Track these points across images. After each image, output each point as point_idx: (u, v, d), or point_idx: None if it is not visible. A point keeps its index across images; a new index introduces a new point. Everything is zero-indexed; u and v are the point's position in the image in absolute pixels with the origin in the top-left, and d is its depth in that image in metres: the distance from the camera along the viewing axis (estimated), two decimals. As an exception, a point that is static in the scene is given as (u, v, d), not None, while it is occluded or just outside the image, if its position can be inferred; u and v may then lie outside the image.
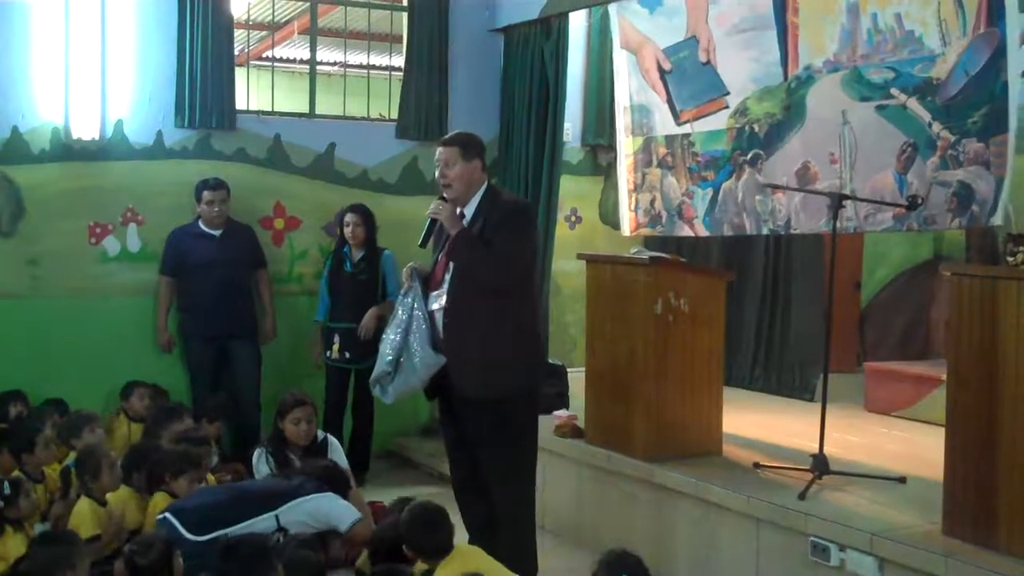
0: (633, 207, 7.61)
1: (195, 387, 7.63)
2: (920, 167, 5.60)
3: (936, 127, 5.54)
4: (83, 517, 5.15)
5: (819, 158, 6.15)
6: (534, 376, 5.29)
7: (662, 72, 7.28)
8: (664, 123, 7.30)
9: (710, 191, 6.93)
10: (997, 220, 5.45)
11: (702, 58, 6.93)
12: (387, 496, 6.60)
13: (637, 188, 7.57)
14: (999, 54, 5.26)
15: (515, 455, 5.22)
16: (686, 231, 7.20)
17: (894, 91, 5.76)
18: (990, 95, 5.30)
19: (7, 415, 6.67)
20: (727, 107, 6.80)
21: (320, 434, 6.14)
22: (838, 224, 5.66)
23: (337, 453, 6.15)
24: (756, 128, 6.58)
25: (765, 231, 6.65)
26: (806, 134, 6.26)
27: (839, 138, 6.03)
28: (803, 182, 6.22)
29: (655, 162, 7.40)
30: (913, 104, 5.65)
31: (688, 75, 7.07)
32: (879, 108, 5.84)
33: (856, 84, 5.95)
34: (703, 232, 7.06)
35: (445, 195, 5.19)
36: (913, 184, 5.64)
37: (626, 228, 7.77)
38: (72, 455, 6.13)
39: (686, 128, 7.12)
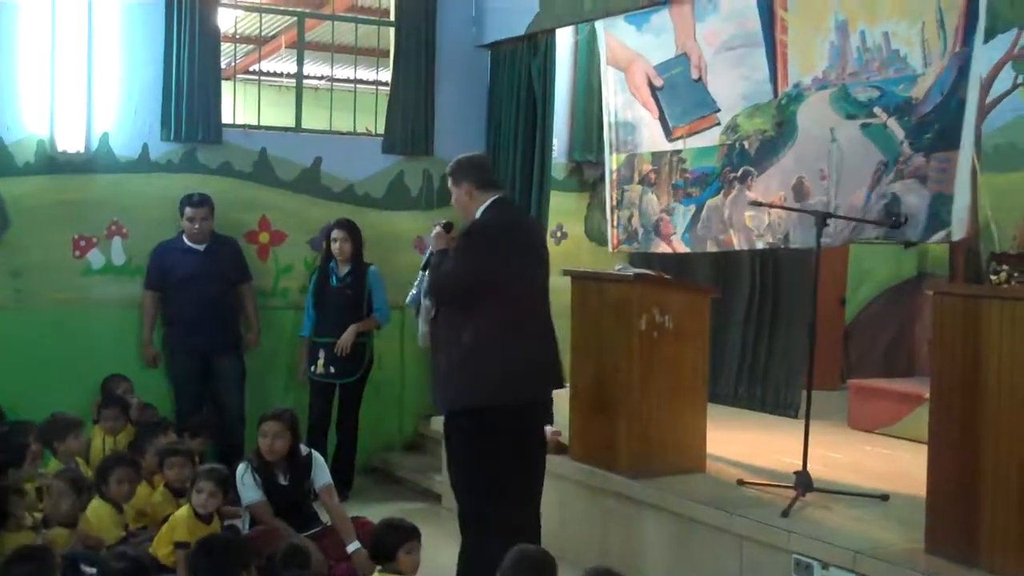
0: (615, 223, 7.63)
1: (179, 401, 7.60)
2: (883, 184, 5.64)
3: (904, 145, 5.58)
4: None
5: (811, 174, 6.18)
6: (482, 393, 5.18)
7: (653, 89, 7.29)
8: (652, 139, 7.31)
9: (692, 208, 6.94)
10: (937, 238, 5.50)
11: (694, 75, 6.95)
12: (371, 512, 6.60)
13: (618, 205, 7.59)
14: (963, 72, 5.30)
15: (462, 471, 5.31)
16: (663, 247, 7.20)
17: (876, 110, 5.79)
18: (944, 111, 5.33)
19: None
20: (719, 124, 6.82)
21: (304, 450, 6.13)
22: (831, 238, 5.68)
23: (321, 469, 6.15)
24: (747, 145, 6.60)
25: (761, 245, 6.64)
26: (799, 150, 6.28)
27: (828, 155, 6.06)
28: (799, 196, 6.24)
29: (637, 179, 7.41)
30: (892, 123, 5.69)
31: (680, 92, 7.09)
32: (863, 126, 5.87)
33: (843, 102, 5.99)
34: (682, 248, 7.07)
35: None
36: (873, 202, 5.69)
37: (610, 244, 7.79)
38: (52, 463, 6.11)
39: (678, 144, 7.13)
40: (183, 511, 5.54)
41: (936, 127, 5.40)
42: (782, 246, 6.58)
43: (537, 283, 5.45)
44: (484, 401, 5.19)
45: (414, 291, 5.66)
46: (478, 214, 5.35)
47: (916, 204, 5.44)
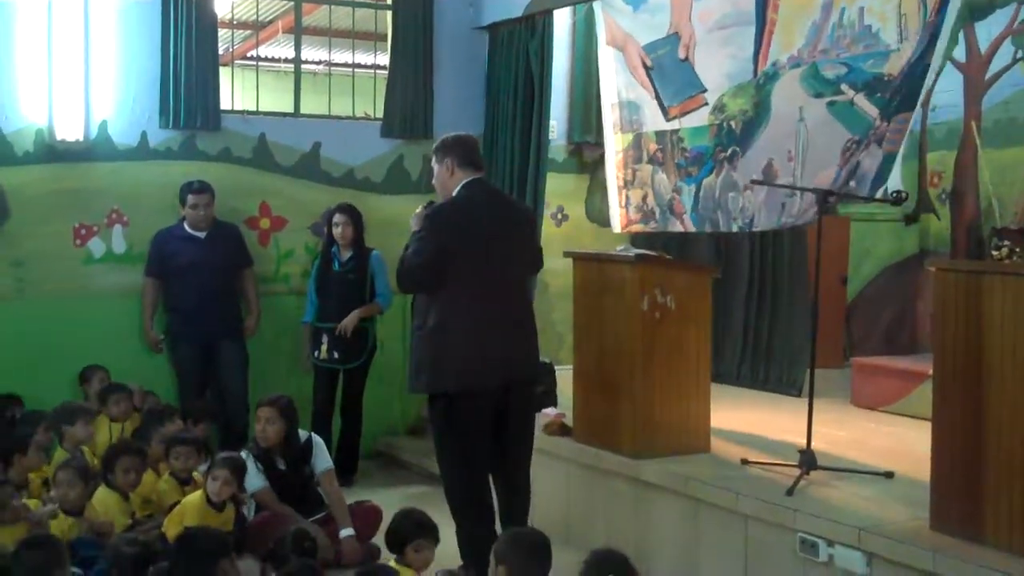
0: (624, 203, 7.61)
1: (182, 388, 7.61)
2: (853, 159, 5.63)
3: (879, 121, 5.54)
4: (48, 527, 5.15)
5: (779, 156, 6.18)
6: (443, 379, 5.19)
7: (647, 69, 7.29)
8: (654, 119, 7.31)
9: (694, 187, 6.94)
10: (879, 194, 5.47)
11: (680, 55, 6.94)
12: (376, 496, 6.61)
13: (628, 184, 7.57)
14: (933, 40, 5.27)
15: (438, 454, 5.43)
16: (678, 226, 7.21)
17: (844, 87, 5.75)
18: (912, 76, 5.30)
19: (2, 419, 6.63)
20: (707, 104, 6.81)
21: (304, 434, 6.14)
22: (784, 220, 5.69)
23: (321, 454, 6.16)
24: (733, 125, 6.59)
25: (734, 228, 6.68)
26: (770, 131, 6.29)
27: (796, 135, 6.05)
28: (768, 180, 6.24)
29: (645, 158, 7.40)
30: (860, 100, 5.65)
31: (668, 72, 7.09)
32: (830, 104, 5.84)
33: (812, 80, 5.96)
34: (691, 227, 7.09)
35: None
36: (843, 177, 5.68)
37: (617, 225, 7.76)
38: (58, 452, 6.12)
39: (675, 124, 7.12)
40: (195, 497, 5.56)
41: (903, 91, 5.37)
42: (748, 230, 6.58)
43: (509, 266, 5.35)
44: (445, 386, 5.21)
45: None
46: (453, 194, 5.33)
47: (869, 165, 5.43)
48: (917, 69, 5.34)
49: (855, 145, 5.65)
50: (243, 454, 5.98)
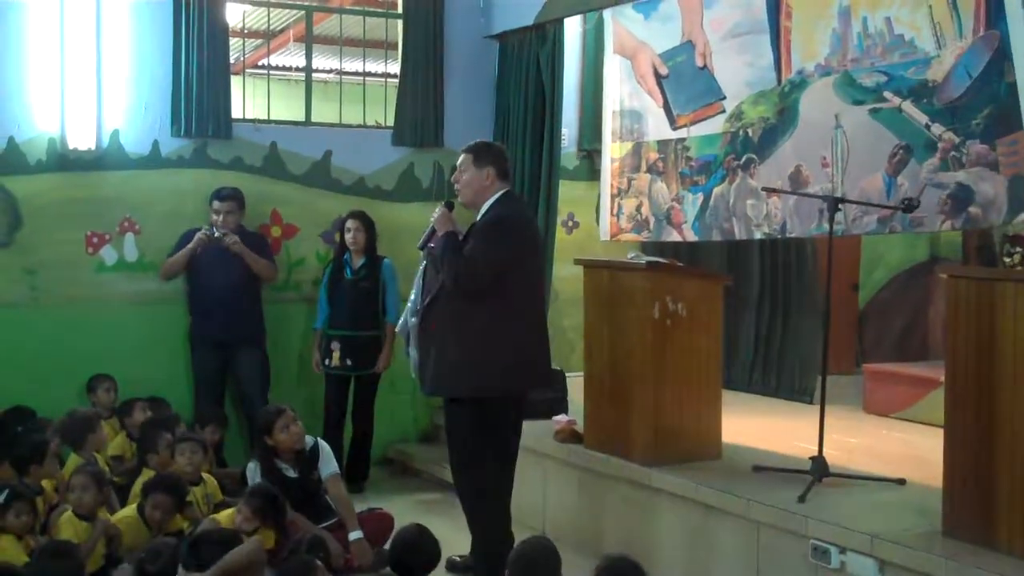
0: (615, 212, 7.60)
1: (199, 394, 7.61)
2: (913, 169, 5.60)
3: (937, 129, 5.53)
4: (60, 531, 5.19)
5: (811, 162, 6.16)
6: (489, 381, 5.33)
7: (659, 77, 7.28)
8: (658, 128, 7.29)
9: (700, 196, 6.92)
10: (1021, 219, 5.41)
11: (699, 63, 6.94)
12: (387, 503, 6.61)
13: (621, 193, 7.56)
14: (1000, 56, 5.25)
15: (454, 454, 5.53)
16: (674, 236, 7.19)
17: (887, 94, 5.76)
18: (993, 97, 5.28)
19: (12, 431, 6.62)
20: (723, 111, 6.81)
21: (310, 440, 6.13)
22: (844, 225, 5.69)
23: (327, 458, 6.14)
24: (750, 132, 6.58)
25: (758, 235, 6.64)
26: (798, 138, 6.26)
27: (831, 142, 6.04)
28: (795, 186, 6.23)
29: (644, 167, 7.39)
30: (908, 107, 5.65)
31: (685, 80, 7.08)
32: (873, 111, 5.84)
33: (848, 88, 5.96)
34: (691, 237, 7.06)
35: (458, 198, 5.60)
36: (903, 186, 5.64)
37: (605, 232, 7.75)
38: (72, 459, 6.12)
39: (682, 133, 7.12)
40: (227, 515, 5.53)
41: (987, 112, 5.32)
42: (779, 236, 6.57)
43: (540, 278, 5.76)
44: (491, 390, 5.33)
45: (403, 318, 5.81)
46: (487, 203, 5.43)
47: (992, 191, 5.35)
48: (999, 88, 5.23)
49: (905, 151, 5.65)
50: (251, 465, 6.01)
